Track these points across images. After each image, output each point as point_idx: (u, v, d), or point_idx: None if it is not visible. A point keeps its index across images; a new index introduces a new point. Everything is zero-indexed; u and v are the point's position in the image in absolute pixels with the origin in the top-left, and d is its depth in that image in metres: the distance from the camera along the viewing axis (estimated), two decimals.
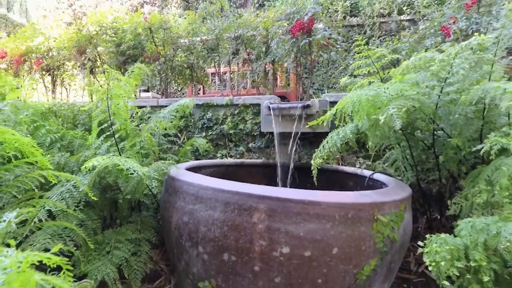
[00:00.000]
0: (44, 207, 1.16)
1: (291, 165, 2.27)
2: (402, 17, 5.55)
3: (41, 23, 4.38)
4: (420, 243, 1.11)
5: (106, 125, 1.76)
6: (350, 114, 1.57)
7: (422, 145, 1.75)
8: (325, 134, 1.68)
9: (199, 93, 4.56)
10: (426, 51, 1.56)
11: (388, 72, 1.67)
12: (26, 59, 4.00)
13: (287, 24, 3.00)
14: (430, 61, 1.44)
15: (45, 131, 1.84)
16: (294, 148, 2.27)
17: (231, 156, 2.82)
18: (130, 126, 1.88)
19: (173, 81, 4.14)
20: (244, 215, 1.16)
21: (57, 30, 4.11)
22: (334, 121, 1.68)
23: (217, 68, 4.00)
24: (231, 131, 2.81)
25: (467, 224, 1.04)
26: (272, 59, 3.35)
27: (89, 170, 1.30)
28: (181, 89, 6.58)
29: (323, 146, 1.60)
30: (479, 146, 1.19)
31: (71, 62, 4.12)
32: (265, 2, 7.33)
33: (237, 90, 4.13)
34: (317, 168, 1.65)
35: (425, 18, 4.03)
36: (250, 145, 2.78)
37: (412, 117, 1.60)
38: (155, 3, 9.69)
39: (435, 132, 1.61)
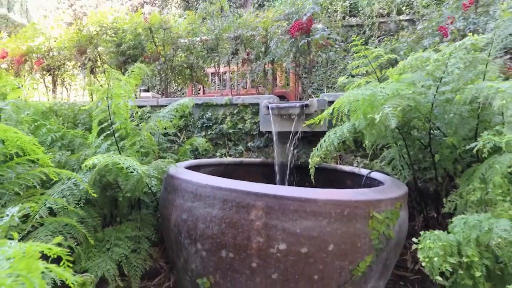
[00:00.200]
0: (46, 204, 1.18)
1: (290, 164, 2.29)
2: (401, 17, 5.56)
3: (42, 23, 4.40)
4: (414, 239, 1.13)
5: (106, 124, 1.78)
6: (347, 113, 1.59)
7: (419, 144, 1.77)
8: (323, 134, 1.70)
9: (199, 93, 4.58)
10: (424, 51, 1.57)
11: (385, 72, 1.69)
12: (27, 59, 4.02)
13: (286, 24, 3.02)
14: (426, 61, 1.45)
15: (46, 130, 1.86)
16: (292, 147, 2.29)
17: (230, 155, 2.84)
18: (130, 125, 1.90)
19: (173, 81, 4.15)
20: (242, 212, 1.18)
21: (57, 30, 4.13)
22: (332, 120, 1.70)
23: (216, 68, 4.02)
24: (230, 131, 2.84)
25: (460, 221, 1.06)
26: (271, 59, 3.37)
27: (89, 168, 1.33)
28: (181, 89, 6.60)
29: (320, 145, 1.62)
30: (472, 145, 1.20)
31: (72, 62, 4.14)
32: (264, 2, 7.35)
33: (237, 90, 4.14)
34: (315, 166, 1.67)
35: (424, 18, 4.05)
36: (249, 144, 2.80)
37: (408, 116, 1.62)
38: (155, 3, 9.71)
39: (431, 131, 1.62)
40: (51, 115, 2.38)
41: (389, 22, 5.63)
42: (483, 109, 1.36)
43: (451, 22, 2.68)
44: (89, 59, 3.86)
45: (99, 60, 3.96)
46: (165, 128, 2.20)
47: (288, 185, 2.29)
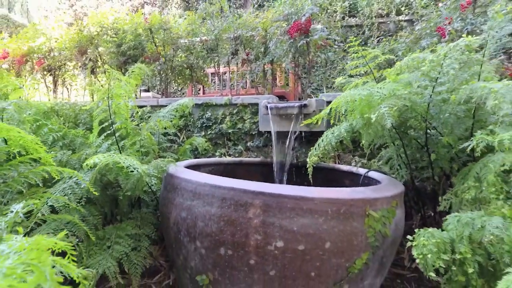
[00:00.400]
0: (47, 203, 1.20)
1: (288, 164, 2.31)
2: (400, 17, 5.58)
3: (43, 24, 4.42)
4: (409, 237, 1.15)
5: (107, 124, 1.80)
6: (344, 113, 1.61)
7: (416, 144, 1.79)
8: (322, 133, 1.71)
9: (199, 93, 4.60)
10: (421, 52, 1.60)
11: (383, 73, 1.71)
12: (28, 59, 4.05)
13: (286, 24, 3.04)
14: (422, 62, 1.48)
15: (48, 130, 1.89)
16: (291, 147, 2.32)
17: (229, 155, 2.86)
18: (131, 125, 1.92)
19: (173, 81, 4.18)
20: (240, 210, 1.20)
21: (58, 31, 4.16)
22: (330, 120, 1.72)
23: (216, 68, 4.04)
24: (230, 130, 2.86)
25: (454, 219, 1.08)
26: (271, 59, 3.39)
27: (90, 167, 1.35)
28: (181, 89, 6.62)
29: (318, 145, 1.64)
30: (466, 144, 1.22)
31: (72, 62, 4.17)
32: (264, 3, 7.37)
33: (236, 90, 4.16)
34: (313, 166, 1.69)
35: (423, 18, 4.07)
36: (248, 144, 2.82)
37: (405, 116, 1.64)
38: (156, 4, 9.74)
39: (428, 130, 1.64)
40: (52, 115, 2.41)
41: (388, 22, 5.65)
42: (478, 109, 1.38)
43: (449, 23, 2.71)
44: (90, 60, 3.89)
45: (99, 61, 3.98)
46: (165, 128, 2.22)
47: (287, 184, 2.31)
